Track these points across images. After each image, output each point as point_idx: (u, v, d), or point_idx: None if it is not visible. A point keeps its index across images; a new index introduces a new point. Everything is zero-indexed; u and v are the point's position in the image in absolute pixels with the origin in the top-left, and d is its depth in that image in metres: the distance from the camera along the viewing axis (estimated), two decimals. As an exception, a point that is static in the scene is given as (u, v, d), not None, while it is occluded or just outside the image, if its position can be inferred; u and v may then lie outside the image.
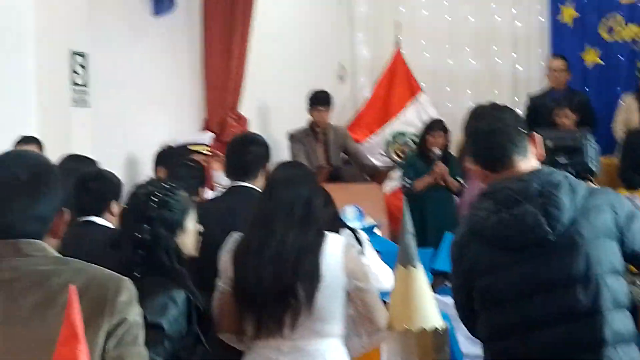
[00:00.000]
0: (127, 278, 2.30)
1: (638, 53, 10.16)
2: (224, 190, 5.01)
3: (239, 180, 4.67)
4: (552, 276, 2.97)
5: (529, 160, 3.13)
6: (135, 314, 2.26)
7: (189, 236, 3.52)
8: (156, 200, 3.45)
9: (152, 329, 2.86)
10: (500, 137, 3.10)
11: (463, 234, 3.20)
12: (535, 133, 3.22)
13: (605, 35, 10.28)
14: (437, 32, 10.82)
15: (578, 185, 3.05)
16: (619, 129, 9.42)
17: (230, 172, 4.80)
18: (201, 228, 3.61)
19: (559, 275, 2.96)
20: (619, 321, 2.98)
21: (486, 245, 3.07)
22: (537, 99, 9.26)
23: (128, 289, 2.27)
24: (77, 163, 5.09)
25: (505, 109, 3.22)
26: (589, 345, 2.95)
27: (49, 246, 2.29)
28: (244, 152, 4.70)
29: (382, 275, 4.46)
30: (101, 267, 2.32)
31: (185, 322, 3.30)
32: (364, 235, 4.85)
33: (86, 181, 4.44)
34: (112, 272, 2.31)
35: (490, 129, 3.12)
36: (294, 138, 8.70)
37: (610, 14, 10.24)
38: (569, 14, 10.33)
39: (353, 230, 4.64)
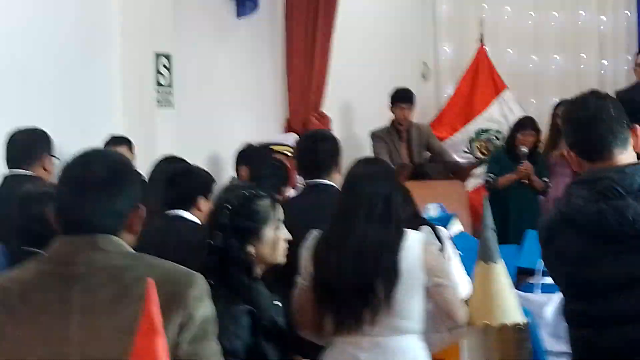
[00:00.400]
0: (199, 274, 2.32)
1: None
2: (303, 188, 5.01)
3: (313, 178, 4.63)
4: None
5: (628, 154, 3.08)
6: (206, 309, 2.28)
7: (268, 246, 3.49)
8: (230, 208, 3.44)
9: None
10: (602, 127, 3.05)
11: (554, 219, 3.13)
12: (637, 126, 3.15)
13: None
14: (521, 30, 10.70)
15: None
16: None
17: (303, 170, 4.80)
18: (289, 236, 3.59)
19: None
20: None
21: (579, 234, 3.00)
22: (624, 94, 9.10)
23: (200, 284, 2.29)
24: (172, 164, 5.19)
25: (609, 99, 3.16)
26: None
27: (123, 242, 2.34)
28: (315, 149, 4.65)
29: (460, 284, 4.44)
30: (174, 263, 2.36)
31: (248, 338, 3.28)
32: (445, 233, 4.83)
33: (175, 176, 4.51)
34: (185, 267, 2.35)
35: (592, 118, 3.07)
36: (376, 136, 8.70)
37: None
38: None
39: (433, 228, 4.62)
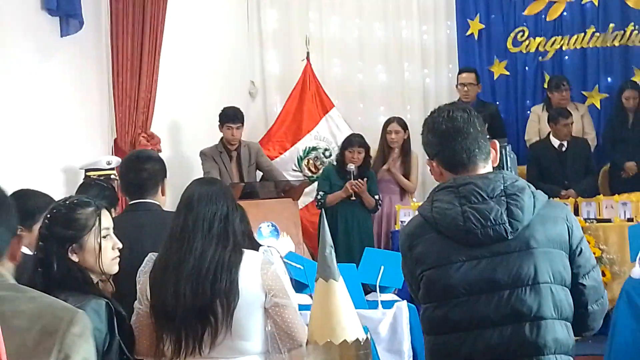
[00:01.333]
0: (82, 311, 2.21)
1: (544, 64, 10.36)
2: (126, 207, 4.92)
3: (138, 198, 4.60)
4: (504, 277, 2.99)
5: (489, 167, 3.18)
6: (86, 351, 2.14)
7: (91, 254, 3.41)
8: (49, 217, 3.40)
9: None
10: (468, 139, 3.13)
11: (417, 225, 3.18)
12: (495, 141, 3.26)
13: (512, 47, 10.45)
14: (347, 47, 10.86)
15: (537, 193, 3.10)
16: (532, 140, 9.62)
17: (127, 191, 4.74)
18: (119, 245, 3.53)
19: (510, 276, 2.99)
20: (560, 331, 3.02)
21: (442, 237, 3.07)
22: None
23: (82, 322, 2.16)
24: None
25: (473, 113, 3.22)
26: (531, 350, 2.97)
27: (5, 272, 2.23)
28: (140, 169, 4.62)
29: None
30: (56, 298, 2.26)
31: (107, 331, 3.23)
32: (276, 253, 4.83)
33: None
34: (67, 304, 2.24)
35: (459, 130, 3.14)
36: (206, 156, 8.64)
37: (516, 27, 10.42)
38: (476, 27, 10.47)
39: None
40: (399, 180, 9.06)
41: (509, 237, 2.99)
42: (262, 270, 3.68)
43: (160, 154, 7.65)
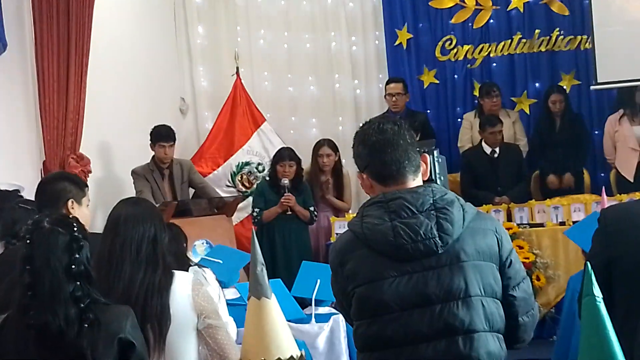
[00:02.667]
0: None
1: (473, 72, 10.45)
2: None
3: None
4: (436, 291, 2.98)
5: (419, 180, 3.18)
6: None
7: None
8: None
9: None
10: (398, 151, 3.13)
11: (348, 240, 3.16)
12: (426, 154, 3.26)
13: (440, 56, 10.52)
14: (276, 61, 10.85)
15: (467, 206, 3.12)
16: (465, 147, 9.69)
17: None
18: None
19: (442, 290, 2.98)
20: (493, 343, 3.02)
21: (373, 253, 3.05)
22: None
23: None
24: None
25: (404, 126, 3.22)
26: None
27: None
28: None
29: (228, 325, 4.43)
30: None
31: None
32: (211, 274, 4.81)
33: None
34: None
35: (389, 142, 3.14)
36: (137, 175, 8.56)
37: (444, 35, 10.49)
38: (404, 37, 10.52)
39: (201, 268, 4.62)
40: (334, 205, 9.12)
41: (439, 251, 3.00)
42: (194, 292, 3.63)
43: (91, 175, 7.64)
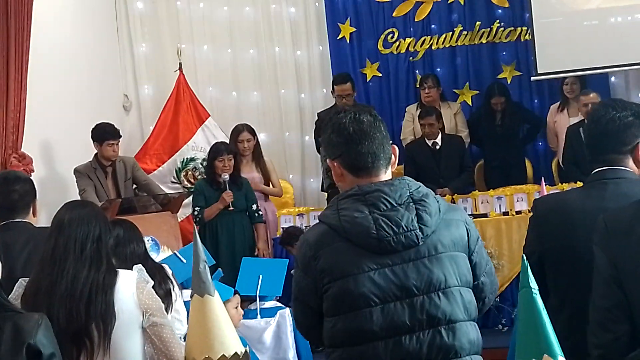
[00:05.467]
0: None
1: (415, 64, 10.51)
2: None
3: (8, 219, 4.62)
4: (417, 282, 3.00)
5: (389, 172, 3.19)
6: None
7: None
8: None
9: None
10: (374, 143, 3.13)
11: (322, 233, 3.11)
12: (395, 146, 3.26)
13: (383, 49, 10.56)
14: (219, 66, 10.87)
15: (439, 197, 3.16)
16: (408, 139, 9.74)
17: None
18: None
19: (423, 282, 3.00)
20: (472, 331, 3.07)
21: (351, 246, 3.03)
22: (324, 114, 9.31)
23: None
24: None
25: (378, 117, 3.21)
26: (450, 353, 3.00)
27: None
28: (9, 191, 4.65)
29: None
30: None
31: None
32: (169, 271, 4.80)
33: None
34: None
35: (365, 133, 3.13)
36: (80, 173, 8.47)
37: (386, 28, 10.54)
38: (347, 31, 10.55)
39: (161, 267, 4.64)
40: (264, 192, 9.18)
41: (420, 243, 3.01)
42: (138, 290, 3.64)
43: (33, 174, 7.58)
